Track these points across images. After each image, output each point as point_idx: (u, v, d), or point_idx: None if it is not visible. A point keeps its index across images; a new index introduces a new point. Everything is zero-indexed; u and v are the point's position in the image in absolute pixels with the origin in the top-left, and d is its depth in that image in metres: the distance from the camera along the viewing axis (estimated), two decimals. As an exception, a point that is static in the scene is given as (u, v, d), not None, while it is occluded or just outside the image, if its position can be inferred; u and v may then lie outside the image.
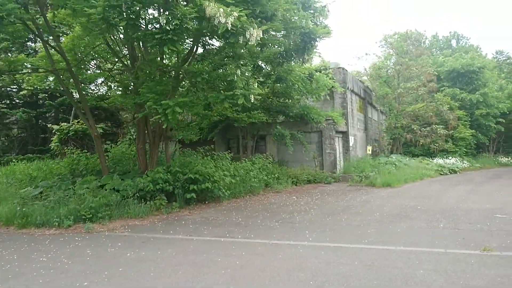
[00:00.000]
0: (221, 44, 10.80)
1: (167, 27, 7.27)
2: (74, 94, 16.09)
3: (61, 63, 12.95)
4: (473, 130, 30.27)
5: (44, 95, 23.05)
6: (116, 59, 13.90)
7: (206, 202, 12.65)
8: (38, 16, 11.80)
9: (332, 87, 20.68)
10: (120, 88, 16.39)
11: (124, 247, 7.28)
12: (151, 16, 7.45)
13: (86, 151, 16.99)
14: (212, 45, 11.57)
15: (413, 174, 20.83)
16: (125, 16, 7.31)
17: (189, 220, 10.03)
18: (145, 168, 13.29)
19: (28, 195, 11.63)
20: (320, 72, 23.77)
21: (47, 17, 11.35)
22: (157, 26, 7.90)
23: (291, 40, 10.56)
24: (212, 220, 10.05)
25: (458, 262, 5.62)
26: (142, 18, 7.35)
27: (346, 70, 24.23)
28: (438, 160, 25.80)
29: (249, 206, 12.28)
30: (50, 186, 12.49)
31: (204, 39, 11.06)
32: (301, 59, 11.61)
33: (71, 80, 13.60)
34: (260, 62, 13.07)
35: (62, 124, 19.06)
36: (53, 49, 12.43)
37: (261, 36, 7.97)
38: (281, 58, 11.48)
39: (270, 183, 16.45)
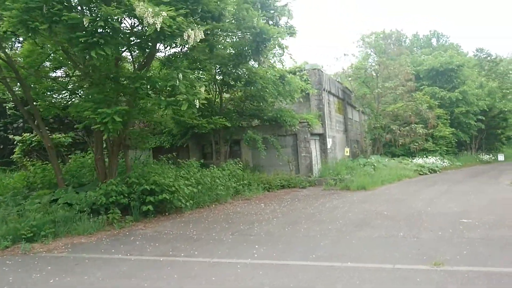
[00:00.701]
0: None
1: (92, 30, 6.67)
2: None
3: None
4: (453, 129, 30.03)
5: (11, 104, 22.20)
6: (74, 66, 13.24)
7: (166, 214, 12.00)
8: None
9: (303, 89, 20.14)
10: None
11: (51, 272, 6.63)
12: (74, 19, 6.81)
13: (47, 162, 16.28)
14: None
15: (391, 176, 20.43)
16: (46, 19, 6.68)
17: (139, 236, 9.39)
18: (103, 179, 12.60)
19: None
20: (295, 74, 23.34)
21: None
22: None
23: (246, 41, 10.01)
24: (164, 234, 9.44)
25: (403, 281, 5.08)
26: (65, 20, 6.72)
27: (322, 71, 23.79)
28: (418, 160, 25.47)
29: (211, 216, 11.67)
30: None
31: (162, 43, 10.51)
32: (257, 61, 11.03)
33: (37, 88, 12.95)
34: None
35: (25, 134, 18.26)
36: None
37: (202, 37, 7.40)
38: (236, 60, 10.90)
39: (240, 190, 15.87)
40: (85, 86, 11.92)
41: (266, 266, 6.15)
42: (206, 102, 9.62)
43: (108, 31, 6.95)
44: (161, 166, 13.40)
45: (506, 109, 34.98)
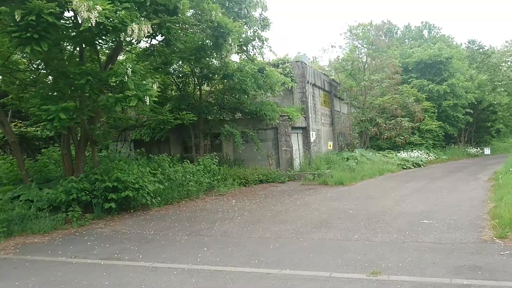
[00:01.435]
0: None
1: (25, 25, 6.34)
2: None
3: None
4: (441, 122, 29.80)
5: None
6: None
7: (131, 211, 11.78)
8: None
9: (283, 83, 19.82)
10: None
11: (-16, 276, 6.39)
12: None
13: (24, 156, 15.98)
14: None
15: (372, 170, 20.26)
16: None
17: (95, 235, 9.15)
18: (70, 175, 12.33)
19: None
20: (278, 66, 23.04)
21: None
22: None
23: (206, 35, 9.67)
24: (120, 234, 9.20)
25: (334, 291, 4.87)
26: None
27: (305, 64, 23.47)
28: (403, 154, 25.27)
29: (177, 214, 11.45)
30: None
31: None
32: (218, 55, 10.69)
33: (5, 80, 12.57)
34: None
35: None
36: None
37: (150, 31, 7.08)
38: (197, 54, 10.55)
39: (215, 186, 15.64)
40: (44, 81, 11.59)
41: (202, 272, 5.92)
42: (157, 98, 9.23)
43: (45, 26, 6.61)
44: (129, 162, 13.11)
45: (495, 102, 34.80)
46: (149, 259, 6.83)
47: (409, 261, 5.88)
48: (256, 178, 17.84)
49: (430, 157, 27.04)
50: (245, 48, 18.99)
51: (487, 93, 34.79)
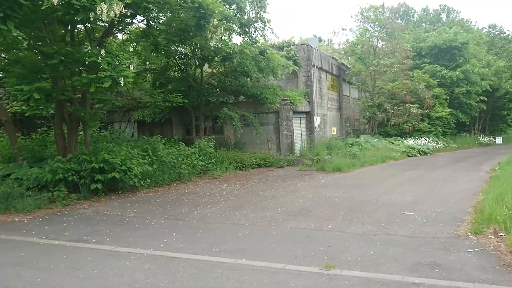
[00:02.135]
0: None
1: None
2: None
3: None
4: (451, 109, 28.95)
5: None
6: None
7: (119, 192, 11.82)
8: None
9: (285, 66, 19.44)
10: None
11: (-49, 254, 6.47)
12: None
13: (20, 135, 16.21)
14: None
15: (375, 157, 19.89)
16: None
17: (75, 216, 9.21)
18: (63, 154, 12.41)
19: None
20: (282, 49, 22.62)
21: None
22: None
23: (190, 16, 9.40)
24: (100, 215, 9.24)
25: (275, 285, 4.73)
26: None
27: (311, 47, 22.96)
28: (409, 141, 24.72)
29: (163, 196, 11.45)
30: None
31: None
32: (202, 37, 10.41)
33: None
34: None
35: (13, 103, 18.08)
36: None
37: (122, 11, 6.90)
38: (181, 35, 10.29)
39: (211, 169, 15.58)
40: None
41: (159, 259, 5.85)
42: (133, 79, 9.06)
43: (9, 4, 6.49)
44: (120, 143, 13.12)
45: (512, 90, 33.60)
46: (114, 243, 6.81)
47: (370, 255, 5.70)
48: (254, 162, 17.70)
49: (439, 145, 26.38)
50: (247, 30, 18.75)
51: (504, 80, 33.53)
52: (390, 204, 9.40)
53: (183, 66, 19.43)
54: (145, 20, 8.61)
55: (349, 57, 28.63)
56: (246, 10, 18.05)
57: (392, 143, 24.56)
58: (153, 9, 8.05)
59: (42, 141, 14.63)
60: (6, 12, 6.55)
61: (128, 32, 11.76)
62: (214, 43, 16.34)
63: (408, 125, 26.02)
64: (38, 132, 15.78)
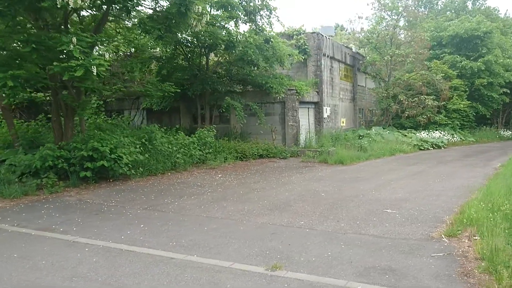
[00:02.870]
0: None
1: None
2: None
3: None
4: (470, 102, 27.78)
5: None
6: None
7: (110, 180, 11.86)
8: None
9: (290, 55, 19.03)
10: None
11: None
12: None
13: (23, 121, 16.50)
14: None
15: (383, 150, 19.37)
16: None
17: (56, 203, 9.25)
18: (60, 141, 12.54)
19: None
20: (292, 38, 22.17)
21: None
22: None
23: (171, 2, 9.17)
24: (82, 203, 9.26)
25: (211, 286, 4.54)
26: None
27: (322, 35, 22.40)
28: (422, 134, 23.93)
29: (153, 186, 11.41)
30: None
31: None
32: (187, 24, 10.16)
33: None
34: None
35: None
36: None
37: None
38: (164, 23, 10.07)
39: (209, 158, 15.46)
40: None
41: (112, 251, 5.76)
42: (108, 68, 8.92)
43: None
44: (114, 130, 13.14)
45: (540, 82, 31.88)
46: (78, 233, 6.77)
47: (327, 256, 5.43)
48: (256, 153, 17.48)
49: (455, 138, 25.41)
50: (253, 18, 18.39)
51: (531, 72, 31.89)
52: (376, 201, 9.05)
53: (189, 55, 19.27)
54: (124, 7, 8.44)
55: (364, 47, 27.78)
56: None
57: (405, 135, 23.85)
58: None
59: (39, 128, 14.76)
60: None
61: (122, 19, 11.61)
62: (221, 32, 16.14)
63: (423, 117, 25.17)
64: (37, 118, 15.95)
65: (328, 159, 16.40)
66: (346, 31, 45.21)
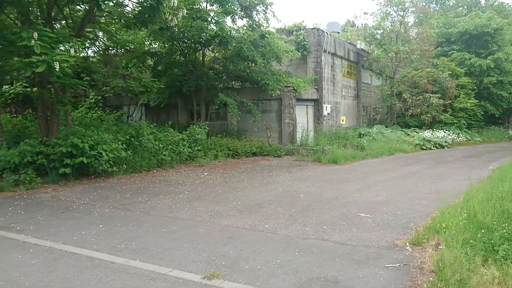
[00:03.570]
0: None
1: None
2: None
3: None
4: (478, 100, 26.95)
5: None
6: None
7: (92, 177, 11.71)
8: None
9: (288, 51, 18.64)
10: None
11: None
12: None
13: (16, 115, 16.50)
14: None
15: (382, 149, 18.86)
16: None
17: (28, 200, 9.12)
18: (45, 136, 12.45)
19: None
20: (292, 33, 21.77)
21: None
22: None
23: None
24: (54, 201, 9.10)
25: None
26: None
27: (322, 31, 21.94)
28: (426, 133, 23.29)
29: (133, 183, 11.22)
30: None
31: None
32: (161, 19, 9.88)
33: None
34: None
35: (5, 87, 18.50)
36: None
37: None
38: (138, 18, 9.79)
39: (199, 156, 15.21)
40: None
41: (55, 254, 5.55)
42: (74, 63, 8.68)
43: None
44: (98, 126, 13.00)
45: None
46: (32, 233, 6.58)
47: (274, 264, 5.12)
48: (249, 151, 17.19)
49: (460, 138, 24.67)
50: (249, 13, 18.06)
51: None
52: (354, 203, 8.68)
53: (186, 50, 19.02)
54: (94, 1, 8.20)
55: (369, 43, 27.18)
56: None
57: (408, 134, 23.24)
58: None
59: (28, 122, 14.71)
60: None
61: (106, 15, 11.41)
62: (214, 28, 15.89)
63: (427, 116, 24.50)
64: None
65: (322, 158, 16.02)
66: (357, 27, 44.50)
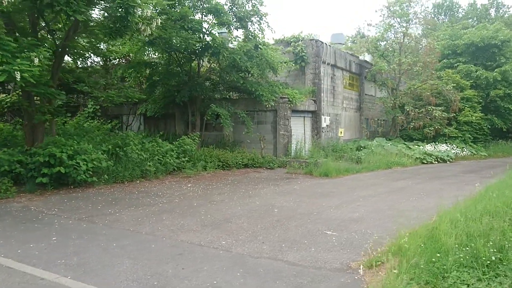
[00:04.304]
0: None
1: None
2: None
3: None
4: (483, 114, 26.29)
5: None
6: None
7: (71, 187, 11.59)
8: None
9: (285, 62, 18.47)
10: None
11: None
12: None
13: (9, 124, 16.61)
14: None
15: (379, 163, 18.43)
16: None
17: (-4, 210, 9.02)
18: (30, 145, 12.44)
19: None
20: (289, 44, 21.62)
21: None
22: None
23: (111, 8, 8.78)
24: (23, 211, 8.97)
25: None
26: None
27: (321, 42, 21.71)
28: (427, 147, 22.73)
29: (112, 194, 11.06)
30: None
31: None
32: (133, 29, 9.75)
33: None
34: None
35: (2, 96, 18.71)
36: None
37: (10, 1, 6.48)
38: (108, 29, 9.68)
39: (186, 167, 15.02)
40: None
41: (-11, 269, 5.36)
42: (39, 74, 8.58)
43: None
44: (82, 135, 12.94)
45: None
46: (-21, 244, 6.43)
47: (208, 285, 4.83)
48: (240, 162, 16.95)
49: (465, 152, 24.00)
50: (244, 24, 17.98)
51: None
52: (326, 220, 8.34)
53: (182, 61, 19.00)
54: (62, 11, 8.10)
55: (371, 54, 26.83)
56: (241, 3, 17.31)
57: (410, 148, 22.72)
58: (72, 0, 7.55)
59: (16, 131, 14.76)
60: None
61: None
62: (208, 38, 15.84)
63: (429, 129, 23.95)
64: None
65: (314, 171, 15.68)
66: (367, 38, 44.18)
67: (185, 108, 20.04)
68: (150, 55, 19.86)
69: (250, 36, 18.02)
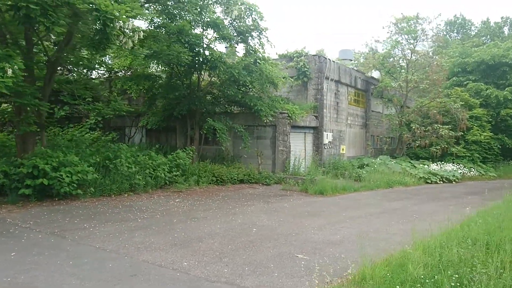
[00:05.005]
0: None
1: None
2: None
3: None
4: (493, 133, 25.55)
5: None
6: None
7: (55, 199, 11.48)
8: None
9: (284, 77, 18.29)
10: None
11: None
12: None
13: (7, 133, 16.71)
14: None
15: (380, 181, 17.96)
16: None
17: (-29, 222, 8.92)
18: (20, 155, 12.43)
19: None
20: (292, 60, 21.48)
21: None
22: None
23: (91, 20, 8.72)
24: (-4, 223, 8.87)
25: None
26: None
27: (324, 58, 21.50)
28: (433, 166, 22.11)
29: (95, 208, 10.89)
30: None
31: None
32: (113, 43, 9.67)
33: None
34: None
35: (4, 105, 18.92)
36: None
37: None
38: (93, 41, 9.64)
39: (177, 181, 14.82)
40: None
41: None
42: (13, 85, 8.52)
43: None
44: (71, 147, 12.88)
45: None
46: None
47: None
48: (235, 177, 16.67)
49: (472, 172, 23.28)
50: (244, 38, 17.92)
51: None
52: (303, 241, 7.99)
53: (183, 74, 18.98)
54: (43, 25, 8.08)
55: (378, 70, 26.48)
56: (241, 17, 17.27)
57: (415, 166, 22.14)
58: (35, 10, 7.51)
59: (8, 141, 14.79)
60: None
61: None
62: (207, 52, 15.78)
63: (436, 148, 23.34)
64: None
65: (309, 188, 15.31)
66: (374, 54, 43.83)
67: (185, 121, 19.97)
68: (154, 68, 19.93)
69: (250, 51, 17.97)
